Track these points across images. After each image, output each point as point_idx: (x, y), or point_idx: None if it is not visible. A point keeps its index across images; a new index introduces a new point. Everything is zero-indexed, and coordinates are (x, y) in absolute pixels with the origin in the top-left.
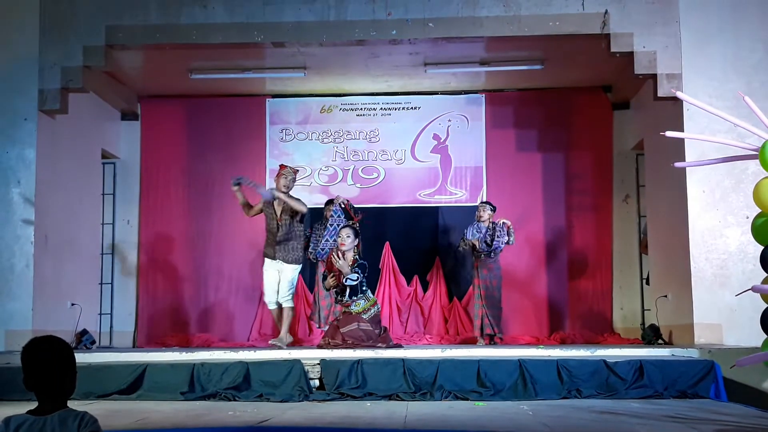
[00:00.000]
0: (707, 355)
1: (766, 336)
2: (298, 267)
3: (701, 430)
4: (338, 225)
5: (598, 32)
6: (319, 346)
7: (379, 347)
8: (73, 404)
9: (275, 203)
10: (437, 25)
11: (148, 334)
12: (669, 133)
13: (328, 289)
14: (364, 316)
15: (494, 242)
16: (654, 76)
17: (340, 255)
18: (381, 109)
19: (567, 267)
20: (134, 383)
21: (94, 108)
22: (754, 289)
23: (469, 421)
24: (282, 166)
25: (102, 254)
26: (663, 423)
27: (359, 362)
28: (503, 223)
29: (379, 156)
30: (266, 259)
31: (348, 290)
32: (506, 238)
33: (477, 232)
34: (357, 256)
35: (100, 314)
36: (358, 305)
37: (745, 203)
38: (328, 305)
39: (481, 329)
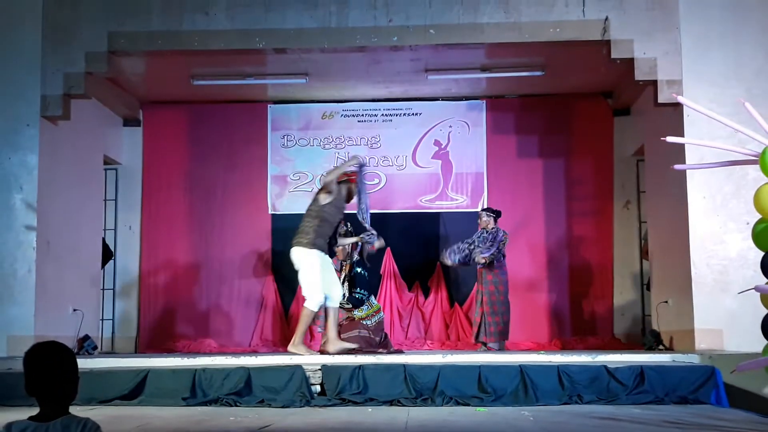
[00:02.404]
0: (708, 360)
1: (766, 341)
2: None
3: None
4: None
5: (598, 39)
6: (320, 352)
7: (380, 353)
8: (74, 410)
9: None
10: (438, 31)
11: (150, 340)
12: (670, 138)
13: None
14: (368, 323)
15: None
16: (654, 83)
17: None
18: (382, 115)
19: (568, 272)
20: (136, 389)
21: (96, 114)
22: (757, 288)
23: (470, 426)
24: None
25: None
26: (664, 429)
27: (360, 368)
28: (500, 241)
29: (381, 162)
30: (326, 256)
31: (353, 298)
32: (490, 252)
33: (481, 242)
34: (354, 262)
35: (102, 320)
36: (361, 311)
37: (745, 209)
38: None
39: (477, 335)
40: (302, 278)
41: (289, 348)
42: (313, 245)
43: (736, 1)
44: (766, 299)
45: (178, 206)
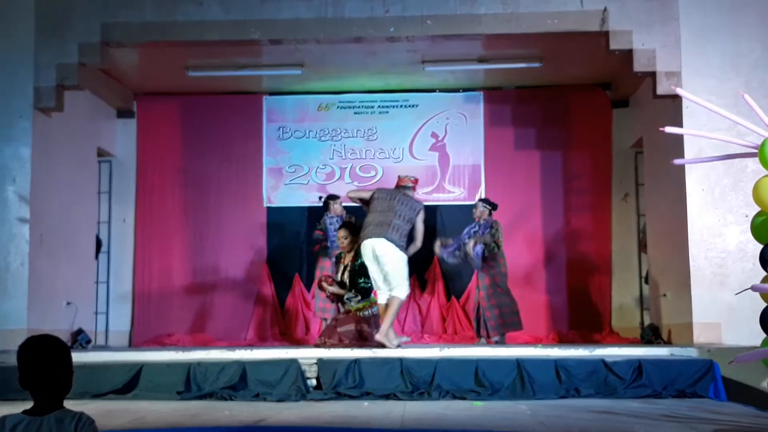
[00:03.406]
0: (706, 354)
1: (765, 335)
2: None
3: (700, 429)
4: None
5: (596, 30)
6: (316, 346)
7: (376, 345)
8: (68, 404)
9: None
10: (435, 22)
11: (144, 334)
12: (668, 129)
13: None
14: (363, 314)
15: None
16: (653, 74)
17: (329, 282)
18: (379, 107)
19: (565, 266)
20: (130, 383)
21: (89, 106)
22: (753, 288)
23: (466, 420)
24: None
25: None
26: (662, 422)
27: (356, 361)
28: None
29: (377, 154)
30: None
31: (362, 289)
32: (479, 247)
33: (474, 232)
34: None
35: (96, 313)
36: (357, 302)
37: (744, 202)
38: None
39: (477, 330)
40: (397, 271)
41: (378, 338)
42: (405, 249)
43: None
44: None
45: (173, 199)
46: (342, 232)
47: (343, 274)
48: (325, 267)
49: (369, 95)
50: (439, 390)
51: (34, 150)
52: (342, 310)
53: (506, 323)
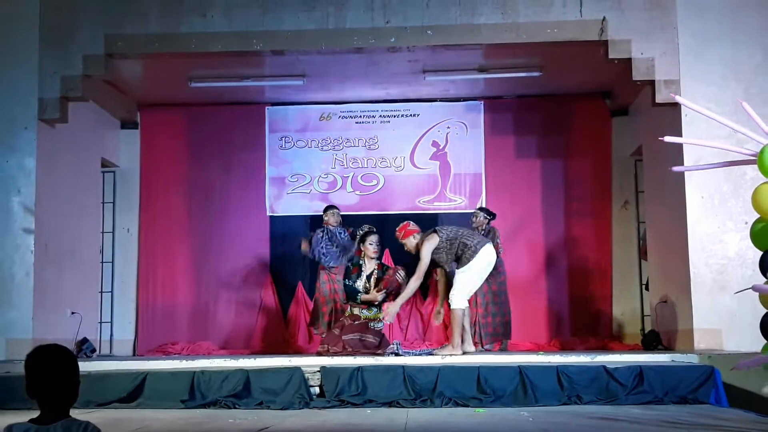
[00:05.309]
0: (707, 360)
1: (765, 341)
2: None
3: None
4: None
5: (596, 39)
6: (318, 353)
7: (379, 354)
8: (72, 413)
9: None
10: (436, 32)
11: (149, 343)
12: (668, 138)
13: (362, 302)
14: (372, 325)
15: None
16: (652, 83)
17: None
18: (380, 116)
19: (566, 273)
20: (134, 391)
21: (93, 117)
22: (754, 288)
23: (469, 427)
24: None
25: (102, 262)
26: (663, 429)
27: (359, 369)
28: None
29: (379, 163)
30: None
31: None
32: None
33: None
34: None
35: (100, 323)
36: (371, 311)
37: (743, 209)
38: (330, 311)
39: (480, 336)
40: None
41: (469, 349)
42: None
43: (733, 1)
44: (764, 298)
45: (176, 209)
46: (375, 237)
47: (368, 281)
48: (324, 280)
49: (370, 105)
50: (441, 397)
51: (39, 161)
52: (348, 315)
53: (493, 333)
